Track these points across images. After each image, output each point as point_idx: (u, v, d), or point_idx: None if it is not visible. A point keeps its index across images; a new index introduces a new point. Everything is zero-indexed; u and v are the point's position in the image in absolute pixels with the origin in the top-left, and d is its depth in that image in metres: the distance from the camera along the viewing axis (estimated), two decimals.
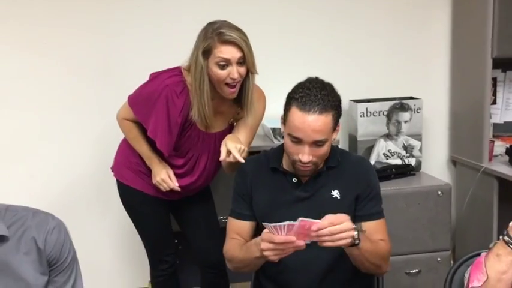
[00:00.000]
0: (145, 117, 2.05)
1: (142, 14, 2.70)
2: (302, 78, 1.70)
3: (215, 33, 1.90)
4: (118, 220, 2.79)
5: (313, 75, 1.70)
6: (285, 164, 1.74)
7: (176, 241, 2.39)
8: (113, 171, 2.28)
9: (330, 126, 1.59)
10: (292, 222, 1.39)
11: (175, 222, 2.37)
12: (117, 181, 2.25)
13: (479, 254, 1.62)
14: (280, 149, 1.77)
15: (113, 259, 2.90)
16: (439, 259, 2.60)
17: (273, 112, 2.59)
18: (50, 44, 2.65)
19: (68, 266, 1.37)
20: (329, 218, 1.42)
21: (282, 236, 1.40)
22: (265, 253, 1.45)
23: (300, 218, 1.38)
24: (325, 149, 1.62)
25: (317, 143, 1.59)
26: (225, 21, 1.96)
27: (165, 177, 2.10)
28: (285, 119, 1.64)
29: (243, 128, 2.10)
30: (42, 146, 2.73)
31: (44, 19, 2.63)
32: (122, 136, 2.26)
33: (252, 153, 2.50)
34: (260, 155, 1.85)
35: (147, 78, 2.11)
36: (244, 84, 2.00)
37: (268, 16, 2.81)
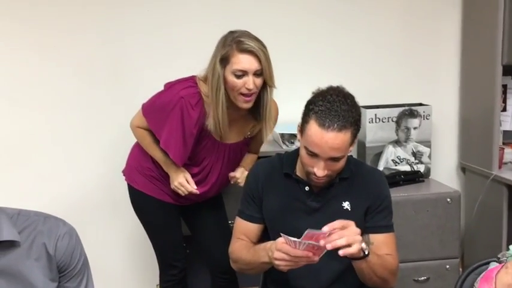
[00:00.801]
0: (158, 128, 2.05)
1: (153, 18, 2.72)
2: (311, 83, 1.68)
3: (234, 41, 1.89)
4: (128, 224, 2.80)
5: (322, 80, 1.69)
6: (299, 171, 1.73)
7: (184, 245, 2.39)
8: (124, 174, 2.28)
9: (348, 143, 1.56)
10: (313, 243, 1.38)
11: (185, 226, 2.37)
12: (129, 185, 2.26)
13: (488, 263, 1.61)
14: (295, 154, 1.74)
15: (123, 263, 2.91)
16: (447, 266, 2.59)
17: (281, 117, 2.60)
18: (61, 47, 2.68)
19: (78, 271, 1.37)
20: (339, 222, 1.42)
21: (300, 250, 1.40)
22: (278, 262, 1.45)
23: (308, 229, 1.37)
24: (341, 164, 1.61)
25: (333, 159, 1.57)
26: (246, 31, 1.95)
27: (182, 181, 2.09)
28: (302, 129, 1.60)
29: (256, 144, 2.12)
30: (53, 150, 2.74)
31: (56, 24, 2.65)
32: (134, 140, 2.26)
33: (262, 158, 2.52)
34: (274, 158, 1.83)
35: (157, 82, 2.11)
36: (261, 96, 1.98)
37: (281, 21, 2.81)
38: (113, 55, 2.72)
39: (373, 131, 2.71)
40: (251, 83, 1.88)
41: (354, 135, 1.58)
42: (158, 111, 2.04)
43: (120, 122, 2.68)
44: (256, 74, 1.89)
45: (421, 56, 2.96)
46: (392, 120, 2.73)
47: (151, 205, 2.21)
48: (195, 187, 2.11)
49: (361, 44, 2.90)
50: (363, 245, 1.46)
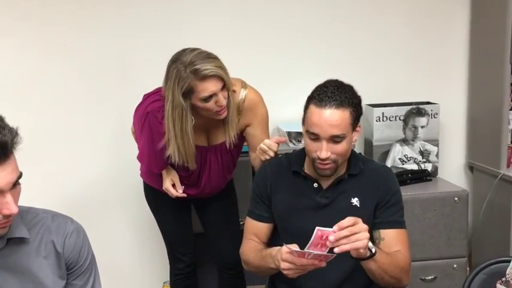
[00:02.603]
0: (138, 139, 2.11)
1: (161, 18, 2.72)
2: (318, 82, 1.68)
3: (190, 72, 1.82)
4: (135, 221, 2.81)
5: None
6: (307, 168, 1.73)
7: (194, 241, 2.39)
8: (140, 169, 2.31)
9: (348, 122, 1.58)
10: (317, 252, 1.37)
11: (199, 224, 2.38)
12: (143, 180, 2.30)
13: (496, 262, 1.61)
14: (303, 152, 1.75)
15: (129, 261, 2.92)
16: (455, 266, 2.58)
17: (288, 116, 2.61)
18: (69, 46, 2.69)
19: (86, 269, 1.38)
20: (341, 223, 1.40)
21: (304, 259, 1.40)
22: (285, 272, 1.45)
23: (317, 228, 1.36)
24: (343, 146, 1.60)
25: (334, 139, 1.57)
26: (192, 50, 1.86)
27: (167, 186, 2.10)
28: (304, 119, 1.65)
29: (259, 133, 2.09)
30: (59, 148, 2.76)
31: (64, 23, 2.67)
32: None
33: None
34: (281, 157, 1.84)
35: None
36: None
37: (286, 20, 2.81)
38: (121, 54, 2.73)
39: (381, 130, 2.70)
40: (222, 100, 1.88)
41: (355, 118, 1.61)
42: (136, 123, 2.08)
43: (127, 120, 2.69)
44: (222, 88, 1.89)
45: (429, 54, 2.95)
46: (400, 119, 2.72)
47: (161, 199, 2.22)
48: (181, 191, 2.11)
49: (369, 42, 2.89)
50: (369, 244, 1.45)
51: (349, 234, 1.38)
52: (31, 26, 2.65)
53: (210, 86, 1.85)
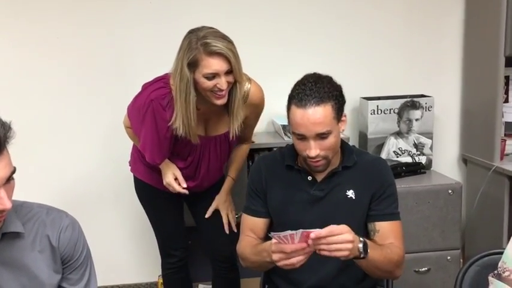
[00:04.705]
0: (138, 130, 2.07)
1: (155, 11, 2.71)
2: None
3: (200, 44, 1.83)
4: (130, 215, 2.81)
5: (325, 72, 1.68)
6: (300, 162, 1.73)
7: (186, 235, 2.39)
8: (130, 165, 2.30)
9: (331, 116, 1.57)
10: (296, 231, 1.37)
11: (191, 218, 2.38)
12: (133, 175, 2.29)
13: (489, 254, 1.62)
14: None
15: (125, 255, 2.93)
16: (448, 258, 2.60)
17: (282, 110, 2.59)
18: (63, 41, 2.68)
19: (81, 263, 1.37)
20: (330, 227, 1.40)
21: (293, 244, 1.39)
22: (279, 264, 1.45)
23: (301, 230, 1.36)
24: (331, 141, 1.60)
25: (321, 136, 1.58)
26: (210, 28, 1.89)
27: (169, 181, 2.09)
28: (288, 119, 1.64)
29: (250, 126, 2.12)
30: (54, 142, 2.75)
31: (58, 17, 2.65)
32: None
33: (263, 150, 2.52)
34: (275, 152, 1.85)
35: (159, 74, 2.11)
36: (231, 92, 1.96)
37: (280, 14, 2.81)
38: (115, 47, 2.72)
39: (375, 123, 2.71)
40: (223, 83, 1.87)
41: (338, 110, 1.60)
42: (136, 114, 2.05)
43: (121, 114, 2.68)
44: (227, 72, 1.88)
45: (423, 47, 2.95)
46: (394, 112, 2.72)
47: (153, 194, 2.23)
48: (185, 185, 2.09)
49: (364, 36, 2.89)
50: (360, 245, 1.45)
51: (327, 243, 1.38)
52: (23, 20, 2.63)
53: (214, 64, 1.84)
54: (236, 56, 1.88)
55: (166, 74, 2.01)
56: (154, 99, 1.96)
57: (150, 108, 1.96)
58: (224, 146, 2.13)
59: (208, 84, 1.87)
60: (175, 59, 1.92)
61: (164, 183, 2.11)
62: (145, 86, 2.05)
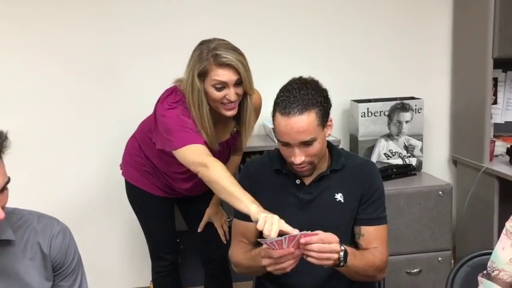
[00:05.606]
0: (168, 128, 1.94)
1: (145, 14, 2.70)
2: None
3: (211, 55, 1.84)
4: (122, 221, 2.80)
5: (315, 76, 1.69)
6: (288, 166, 1.73)
7: (178, 240, 2.40)
8: (121, 169, 2.29)
9: (315, 124, 1.56)
10: (283, 237, 1.39)
11: (182, 222, 2.37)
12: (125, 179, 2.27)
13: (479, 255, 1.63)
14: None
15: (117, 261, 2.91)
16: (439, 259, 2.61)
17: None
18: (55, 44, 2.66)
19: (73, 270, 1.37)
20: (320, 235, 1.44)
21: (280, 250, 1.41)
22: (269, 269, 1.46)
23: (287, 236, 1.39)
24: (316, 147, 1.60)
25: (305, 143, 1.57)
26: (221, 40, 1.90)
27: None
28: (273, 125, 1.64)
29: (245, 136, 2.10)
30: (45, 148, 2.73)
31: (50, 21, 2.64)
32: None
33: (254, 154, 2.53)
34: (264, 156, 1.85)
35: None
36: (242, 104, 1.97)
37: (270, 17, 2.81)
38: (107, 51, 2.71)
39: (365, 125, 2.72)
40: (232, 94, 1.87)
41: (321, 116, 1.58)
42: (167, 132, 1.93)
43: (115, 118, 2.68)
44: (236, 84, 1.88)
45: (412, 49, 2.97)
46: (385, 114, 2.74)
47: (144, 199, 2.22)
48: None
49: (353, 39, 2.90)
50: (341, 254, 1.49)
51: (318, 251, 1.43)
52: (11, 24, 2.61)
53: (223, 75, 1.84)
54: (246, 68, 1.88)
55: (175, 88, 1.99)
56: (179, 115, 1.90)
57: (179, 103, 1.93)
58: (225, 150, 2.13)
59: (218, 95, 1.87)
60: (186, 70, 1.93)
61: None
62: (163, 112, 1.94)
